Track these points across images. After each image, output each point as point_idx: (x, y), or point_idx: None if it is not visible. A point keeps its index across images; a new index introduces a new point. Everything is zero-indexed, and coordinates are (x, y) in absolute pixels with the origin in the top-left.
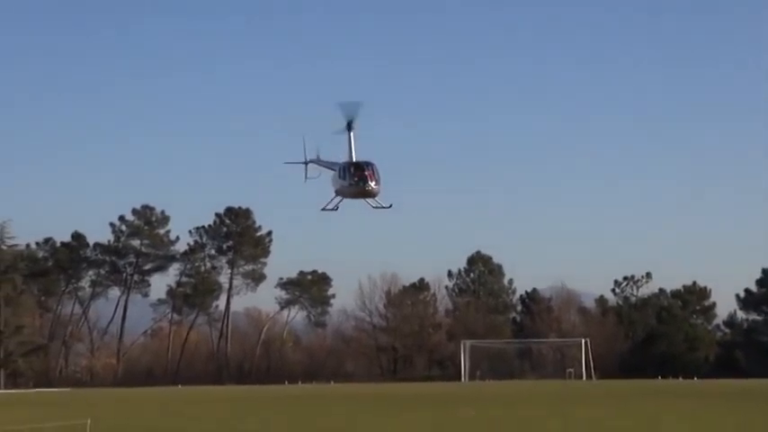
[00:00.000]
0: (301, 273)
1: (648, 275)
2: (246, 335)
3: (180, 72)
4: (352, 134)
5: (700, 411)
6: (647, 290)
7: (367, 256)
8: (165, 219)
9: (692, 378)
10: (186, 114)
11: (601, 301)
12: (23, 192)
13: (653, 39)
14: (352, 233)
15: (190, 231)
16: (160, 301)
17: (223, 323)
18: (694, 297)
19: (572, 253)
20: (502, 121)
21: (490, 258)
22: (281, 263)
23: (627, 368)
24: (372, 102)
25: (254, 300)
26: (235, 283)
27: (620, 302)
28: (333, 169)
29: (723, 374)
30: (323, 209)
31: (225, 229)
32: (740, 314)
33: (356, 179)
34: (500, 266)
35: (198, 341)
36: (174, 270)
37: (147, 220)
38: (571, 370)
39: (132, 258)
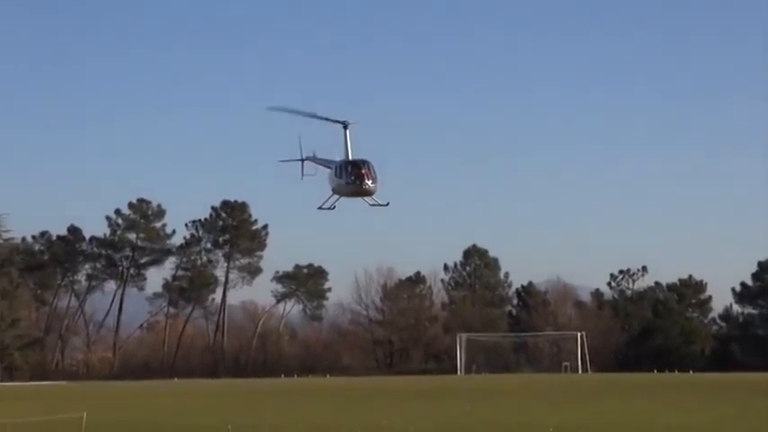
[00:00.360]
0: (297, 266)
1: (644, 269)
2: (243, 328)
3: (176, 66)
4: (347, 132)
5: (695, 405)
6: (642, 283)
7: (363, 249)
8: (161, 212)
9: (688, 371)
10: (182, 108)
11: (597, 294)
12: (20, 185)
13: (648, 30)
14: (348, 227)
15: (186, 225)
16: (156, 295)
17: (219, 317)
18: (690, 290)
19: (568, 246)
20: (498, 115)
21: (486, 252)
22: (278, 256)
23: (623, 362)
24: (368, 96)
25: (251, 293)
26: (231, 276)
27: (616, 296)
28: (329, 167)
29: (719, 368)
30: (319, 207)
31: (221, 222)
32: (736, 308)
33: (353, 178)
34: (496, 260)
35: (194, 335)
36: (170, 263)
37: (144, 214)
38: (567, 363)
39: (128, 252)
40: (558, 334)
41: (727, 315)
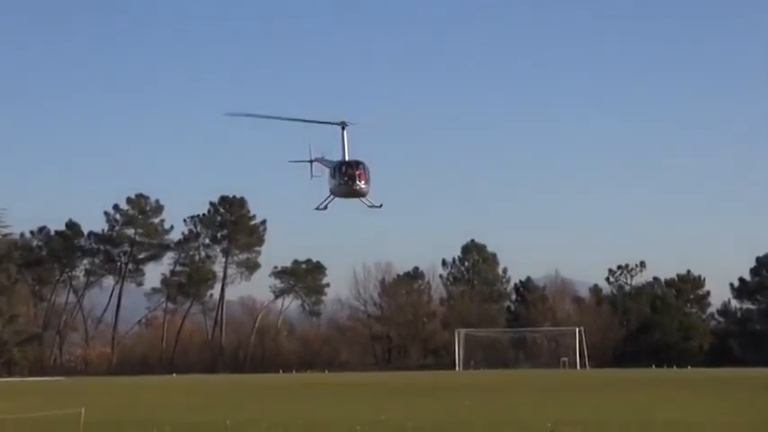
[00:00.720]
0: (296, 262)
1: (642, 264)
2: (241, 324)
3: (176, 63)
4: (345, 134)
5: (694, 400)
6: (641, 279)
7: (361, 245)
8: (159, 208)
9: (686, 367)
10: (180, 104)
11: (595, 290)
12: (18, 181)
13: (648, 38)
14: (346, 222)
15: (184, 220)
16: (154, 290)
17: (217, 312)
18: (688, 286)
19: (566, 242)
20: (497, 111)
21: (484, 247)
22: (276, 252)
23: (621, 357)
24: (370, 94)
25: (249, 289)
26: (229, 272)
27: (615, 291)
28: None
29: (717, 363)
30: (316, 208)
31: (219, 218)
32: (734, 303)
33: (346, 179)
34: (494, 255)
35: (192, 330)
36: (168, 259)
37: (142, 209)
38: (565, 359)
39: (127, 247)
40: (556, 329)
41: (725, 310)
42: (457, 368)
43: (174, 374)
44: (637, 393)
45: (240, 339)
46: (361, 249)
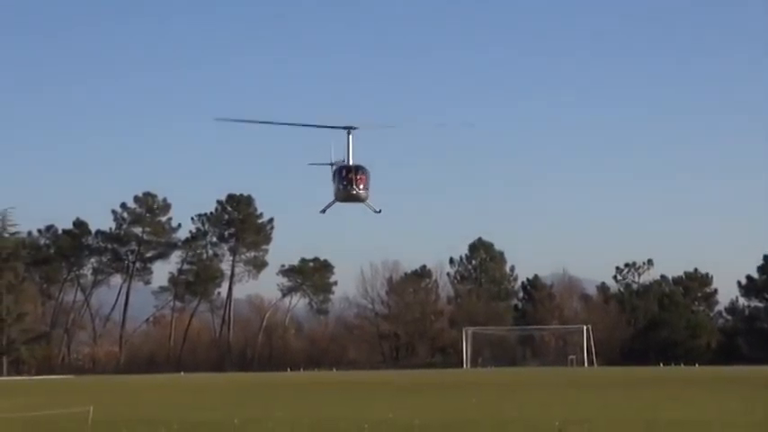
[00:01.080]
0: (303, 260)
1: (650, 262)
2: (248, 322)
3: (183, 61)
4: (350, 138)
5: (701, 398)
6: (648, 277)
7: (369, 243)
8: (166, 206)
9: (694, 365)
10: (187, 102)
11: (602, 287)
12: (25, 179)
13: (657, 30)
14: (353, 220)
15: (192, 218)
16: (162, 289)
17: (225, 310)
18: (696, 284)
19: (574, 240)
20: (504, 108)
21: (492, 245)
22: (283, 250)
23: (628, 355)
24: (378, 92)
25: (256, 287)
26: (237, 270)
27: (622, 289)
28: None
29: (725, 361)
30: (321, 211)
31: (227, 216)
32: (742, 301)
33: (345, 183)
34: (502, 253)
35: (200, 329)
36: (175, 257)
37: (149, 208)
38: (573, 357)
39: (134, 246)
40: (563, 327)
41: (733, 308)
42: (464, 366)
43: (182, 373)
44: (644, 391)
45: (248, 338)
46: (368, 247)
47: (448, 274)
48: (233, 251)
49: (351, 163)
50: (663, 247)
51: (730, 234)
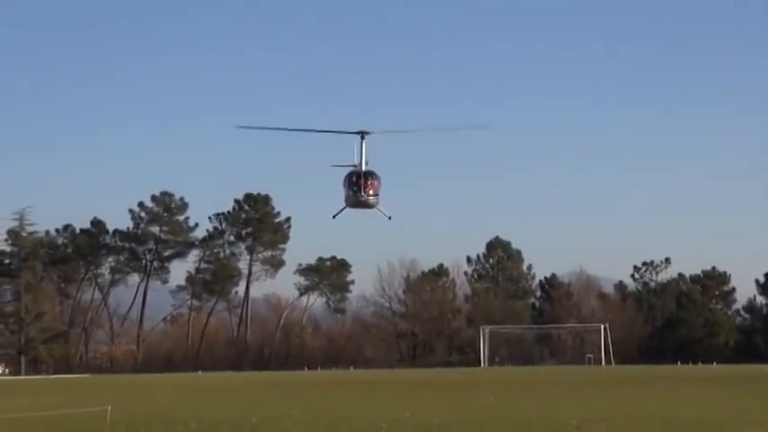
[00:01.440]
0: (320, 259)
1: (667, 261)
2: (266, 321)
3: (201, 60)
4: (363, 143)
5: (719, 397)
6: (666, 275)
7: (386, 241)
8: (184, 205)
9: (712, 363)
10: (205, 101)
11: (620, 286)
12: (43, 179)
13: (677, 31)
14: (370, 220)
15: (209, 218)
16: (180, 288)
17: (242, 309)
18: (714, 282)
19: (591, 238)
20: (522, 107)
21: (509, 244)
22: (301, 249)
23: (646, 354)
24: (393, 90)
25: (274, 286)
26: (254, 269)
27: (640, 288)
28: None
29: (742, 360)
30: (332, 216)
31: (244, 215)
32: (760, 299)
33: (355, 189)
34: (519, 252)
35: (217, 327)
36: (193, 256)
37: (167, 207)
38: (590, 355)
39: (152, 245)
40: (581, 326)
41: (750, 307)
42: (482, 365)
43: (200, 372)
44: (662, 390)
45: (265, 337)
46: (385, 246)
47: (465, 272)
48: (250, 250)
49: (363, 168)
50: (680, 246)
51: (748, 232)
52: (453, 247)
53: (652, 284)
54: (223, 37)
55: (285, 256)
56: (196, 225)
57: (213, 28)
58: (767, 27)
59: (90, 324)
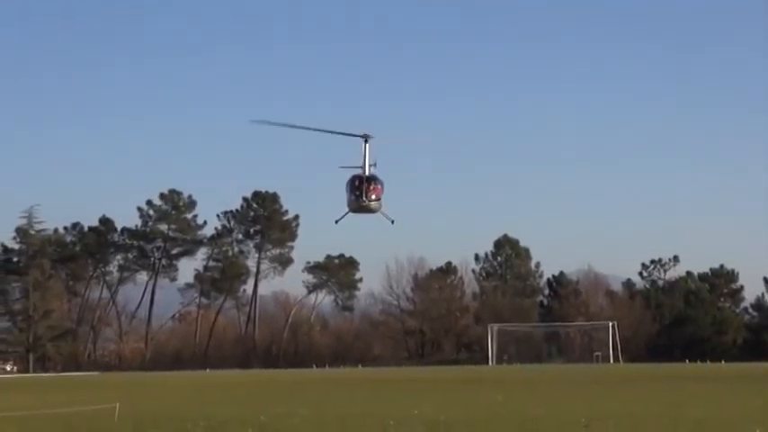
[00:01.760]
0: (328, 257)
1: (676, 259)
2: (274, 319)
3: (208, 57)
4: (367, 147)
5: (727, 395)
6: (674, 273)
7: (394, 239)
8: (192, 203)
9: (720, 361)
10: (213, 99)
11: (628, 284)
12: (51, 177)
13: (683, 26)
14: (378, 218)
15: (217, 216)
16: (188, 286)
17: (251, 307)
18: (722, 280)
19: (599, 236)
20: (528, 105)
21: (517, 242)
22: (309, 247)
23: (654, 351)
24: (398, 86)
25: (282, 284)
26: (262, 267)
27: (648, 286)
28: None
29: (751, 358)
30: (335, 221)
31: (252, 213)
32: None
33: (357, 194)
34: (527, 250)
35: (226, 325)
36: (201, 254)
37: (175, 205)
38: (598, 353)
39: (160, 243)
40: (589, 324)
41: (759, 305)
42: (490, 363)
43: (208, 370)
44: (670, 388)
45: (273, 334)
46: (393, 244)
47: (473, 270)
48: (258, 248)
49: (367, 173)
50: (689, 244)
51: (756, 231)
52: (461, 244)
53: (660, 282)
54: (232, 32)
55: (293, 254)
56: (204, 223)
57: (223, 25)
58: None
59: (98, 322)
